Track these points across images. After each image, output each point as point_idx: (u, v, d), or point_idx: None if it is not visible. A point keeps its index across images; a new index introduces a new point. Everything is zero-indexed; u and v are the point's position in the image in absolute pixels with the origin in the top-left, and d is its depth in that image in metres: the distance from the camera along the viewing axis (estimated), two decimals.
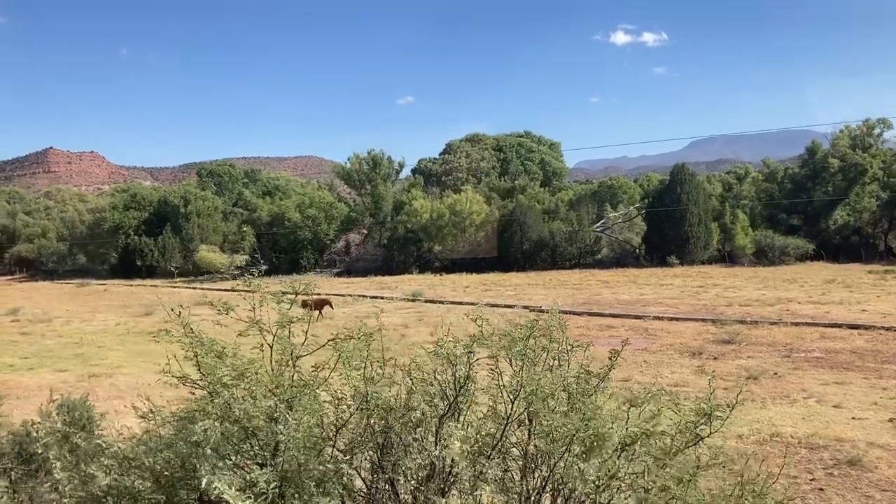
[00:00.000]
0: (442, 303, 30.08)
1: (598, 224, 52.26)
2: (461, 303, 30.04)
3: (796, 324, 20.40)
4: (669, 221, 45.94)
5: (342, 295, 34.81)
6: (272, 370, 3.75)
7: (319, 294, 29.61)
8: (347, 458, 3.61)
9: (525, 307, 26.98)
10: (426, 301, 31.36)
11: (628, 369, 15.75)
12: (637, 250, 49.65)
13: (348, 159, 64.84)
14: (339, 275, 53.03)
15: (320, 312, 25.99)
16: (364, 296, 34.46)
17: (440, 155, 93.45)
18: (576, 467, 3.43)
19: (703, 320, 21.75)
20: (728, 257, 48.87)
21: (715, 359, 16.51)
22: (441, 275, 46.51)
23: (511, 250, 47.96)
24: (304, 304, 26.62)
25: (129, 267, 60.57)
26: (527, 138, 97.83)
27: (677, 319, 22.24)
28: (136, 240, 61.74)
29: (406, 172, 76.73)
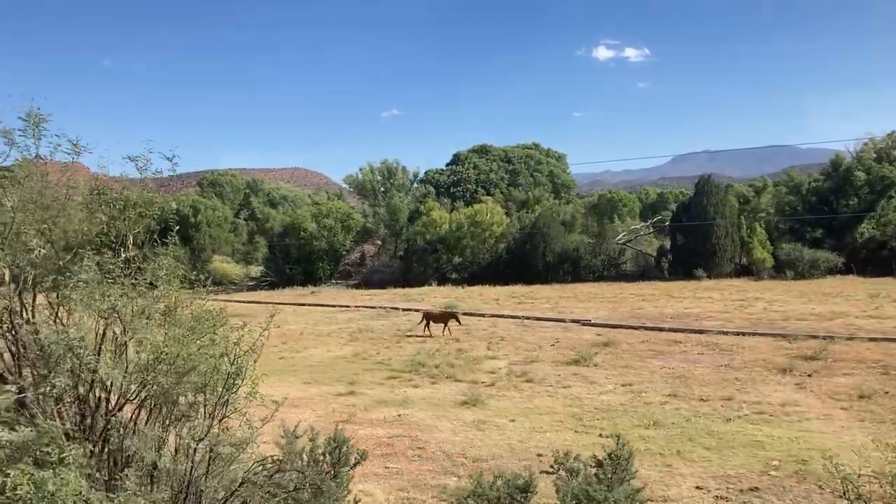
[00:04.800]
0: (483, 316, 29.15)
1: (619, 236, 51.54)
2: (501, 315, 29.17)
3: (873, 339, 19.61)
4: (695, 234, 45.25)
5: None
6: None
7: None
8: None
9: (574, 321, 26.11)
10: (463, 314, 30.41)
11: (724, 387, 14.92)
12: (661, 263, 48.88)
13: (360, 169, 64.07)
14: (355, 286, 52.01)
15: (446, 327, 24.39)
16: (398, 307, 33.51)
17: (447, 166, 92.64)
18: None
19: (773, 335, 20.92)
20: (746, 271, 48.09)
21: (809, 376, 15.66)
22: (463, 287, 45.57)
23: (534, 262, 47.09)
24: (428, 318, 24.68)
25: None
26: (535, 150, 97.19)
27: (743, 334, 21.39)
28: None
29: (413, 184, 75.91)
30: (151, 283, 3.59)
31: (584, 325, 25.15)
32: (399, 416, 13.45)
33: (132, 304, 3.35)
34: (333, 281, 54.41)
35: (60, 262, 3.53)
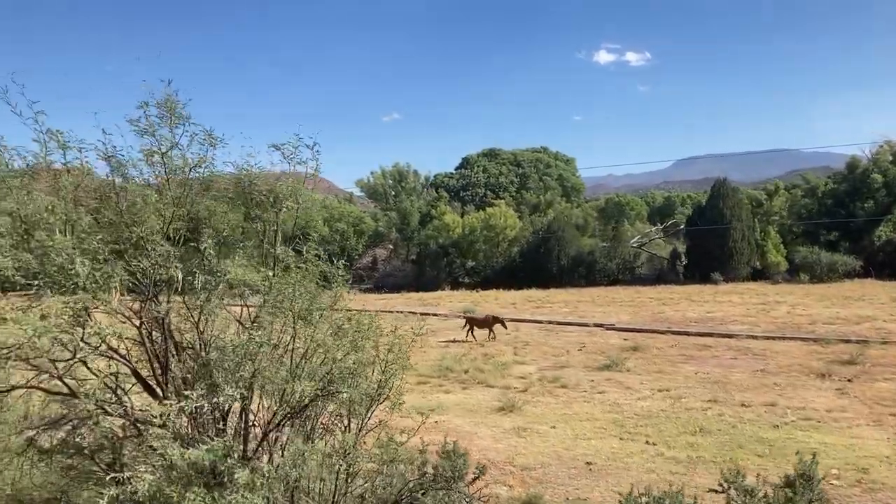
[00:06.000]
0: None
1: (634, 240, 51.21)
2: (522, 320, 28.88)
3: None
4: (711, 237, 44.88)
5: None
6: None
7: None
8: None
9: (597, 325, 25.82)
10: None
11: (764, 392, 14.63)
12: (675, 266, 48.53)
13: (371, 173, 63.96)
14: (367, 291, 51.80)
15: (491, 331, 23.68)
16: (415, 312, 33.24)
17: (456, 169, 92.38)
18: None
19: (803, 339, 20.60)
20: (759, 274, 47.55)
21: (849, 381, 15.35)
22: (477, 291, 45.30)
23: (548, 266, 46.78)
24: (473, 323, 23.80)
25: None
26: (544, 154, 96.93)
27: (773, 338, 21.07)
28: None
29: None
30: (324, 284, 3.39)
31: (608, 329, 24.86)
32: (436, 422, 13.20)
33: (311, 307, 3.14)
34: (346, 285, 54.18)
35: (214, 262, 3.32)
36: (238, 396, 2.81)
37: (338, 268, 3.82)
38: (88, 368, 3.10)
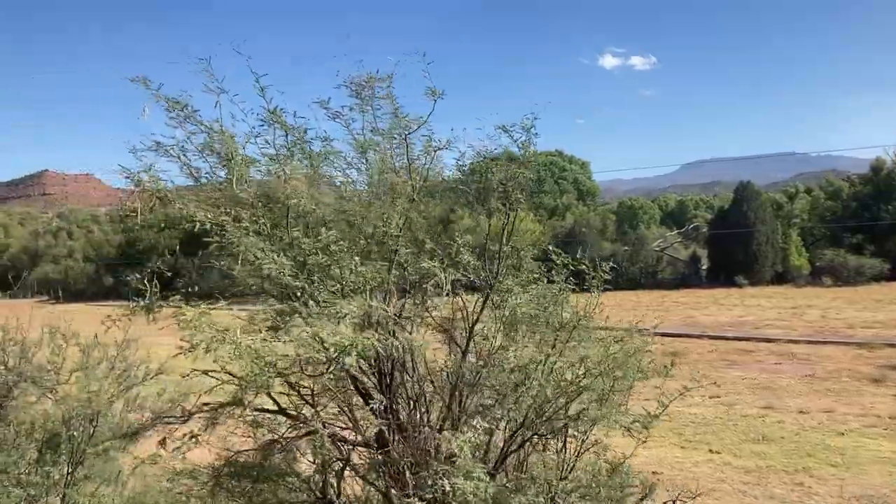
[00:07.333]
0: None
1: (655, 243, 50.70)
2: None
3: None
4: (734, 240, 44.27)
5: None
6: None
7: None
8: None
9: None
10: None
11: (818, 398, 14.21)
12: (698, 270, 47.98)
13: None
14: None
15: None
16: None
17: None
18: None
19: (846, 343, 20.13)
20: (780, 277, 46.82)
21: None
22: None
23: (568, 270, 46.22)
24: None
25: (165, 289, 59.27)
26: (558, 157, 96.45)
27: (814, 343, 20.61)
28: (173, 261, 60.52)
29: None
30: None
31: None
32: None
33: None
34: None
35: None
36: (509, 419, 2.52)
37: (602, 268, 3.52)
38: (287, 383, 2.80)
